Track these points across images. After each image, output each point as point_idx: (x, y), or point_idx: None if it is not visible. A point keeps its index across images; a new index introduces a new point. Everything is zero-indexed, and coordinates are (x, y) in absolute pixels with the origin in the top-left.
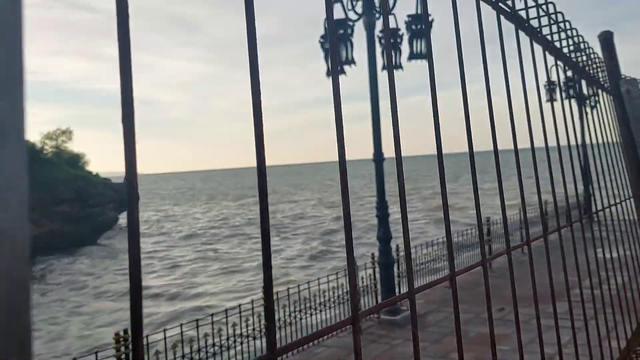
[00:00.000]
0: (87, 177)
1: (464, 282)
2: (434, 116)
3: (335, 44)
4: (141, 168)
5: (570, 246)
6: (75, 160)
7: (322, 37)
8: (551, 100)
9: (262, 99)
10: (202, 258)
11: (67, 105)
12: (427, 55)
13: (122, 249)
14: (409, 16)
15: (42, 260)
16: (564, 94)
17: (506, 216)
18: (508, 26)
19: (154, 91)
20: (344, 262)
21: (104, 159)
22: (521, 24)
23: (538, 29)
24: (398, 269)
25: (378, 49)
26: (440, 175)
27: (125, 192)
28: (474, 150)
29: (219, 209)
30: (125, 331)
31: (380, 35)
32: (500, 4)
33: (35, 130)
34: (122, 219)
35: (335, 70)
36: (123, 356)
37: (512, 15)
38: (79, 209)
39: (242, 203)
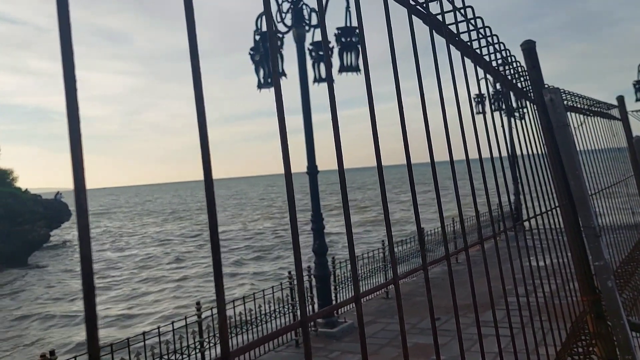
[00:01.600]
0: (15, 194)
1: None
2: (372, 128)
3: (276, 57)
4: (68, 184)
5: (503, 255)
6: (3, 177)
7: (251, 49)
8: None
9: (191, 112)
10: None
11: None
12: (365, 68)
13: (55, 270)
14: (338, 29)
15: None
16: (492, 106)
17: (444, 224)
18: (440, 41)
19: (82, 105)
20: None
21: (33, 175)
22: (452, 38)
23: (468, 42)
24: (335, 281)
25: (309, 61)
26: (381, 186)
27: (57, 209)
28: (414, 162)
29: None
30: (52, 352)
31: (310, 47)
32: (430, 17)
33: None
34: (54, 237)
35: (278, 88)
36: None
37: (443, 30)
38: (7, 226)
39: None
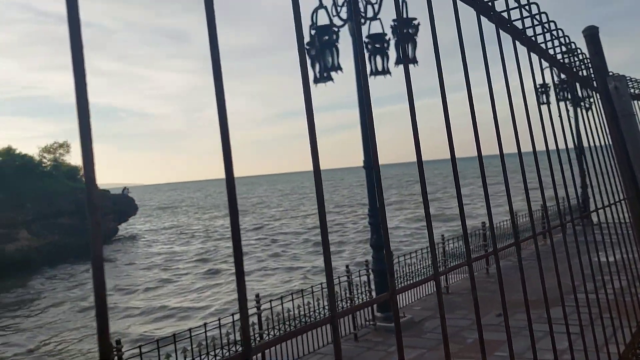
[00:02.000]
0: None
1: (460, 288)
2: (412, 123)
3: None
4: (134, 179)
5: (569, 249)
6: (74, 173)
7: (307, 44)
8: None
9: (253, 108)
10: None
11: (61, 119)
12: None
13: (120, 263)
14: (394, 20)
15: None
16: (557, 97)
17: (492, 218)
18: (491, 29)
19: (146, 104)
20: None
21: (101, 171)
22: (503, 24)
23: (522, 30)
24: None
25: (365, 55)
26: (421, 179)
27: (124, 204)
28: (466, 155)
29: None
30: (118, 342)
31: (366, 40)
32: (479, 2)
33: (32, 144)
34: (122, 230)
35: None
36: None
37: (493, 16)
38: (78, 221)
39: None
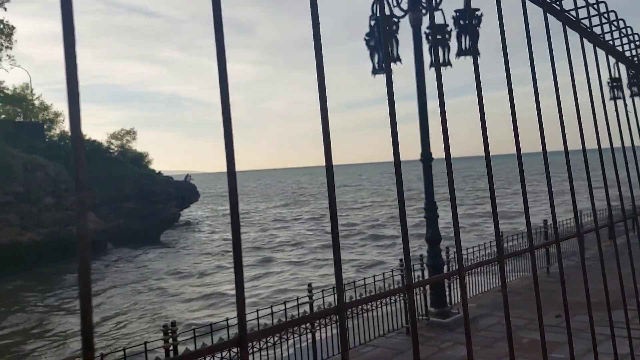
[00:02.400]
0: (150, 175)
1: (518, 287)
2: (480, 116)
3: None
4: (197, 167)
5: (636, 252)
6: (139, 159)
7: (366, 35)
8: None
9: (313, 99)
10: None
11: (129, 107)
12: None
13: (177, 249)
14: (456, 11)
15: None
16: (631, 91)
17: (555, 208)
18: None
19: (210, 93)
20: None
21: (163, 158)
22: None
23: (588, 28)
24: (448, 271)
25: (425, 46)
26: (489, 176)
27: (186, 190)
28: (531, 151)
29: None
30: (173, 324)
31: (427, 31)
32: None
33: (101, 130)
34: (184, 216)
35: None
36: (171, 347)
37: (560, 13)
38: (143, 205)
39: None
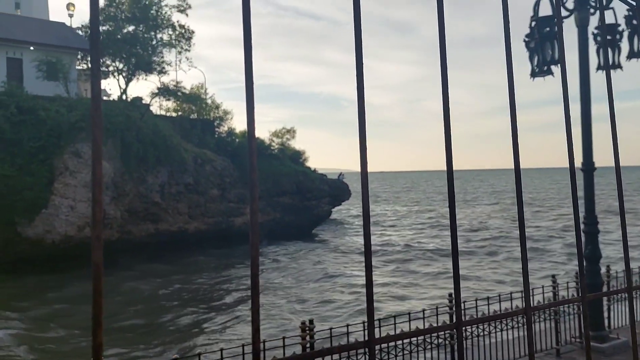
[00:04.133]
0: (306, 172)
1: None
2: None
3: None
4: (350, 166)
5: None
6: (297, 157)
7: (526, 36)
8: None
9: (472, 100)
10: None
11: (291, 106)
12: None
13: (331, 244)
14: (628, 10)
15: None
16: None
17: None
18: None
19: (369, 93)
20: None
21: (318, 156)
22: None
23: None
24: (608, 290)
25: (592, 47)
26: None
27: (339, 189)
28: None
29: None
30: (311, 321)
31: (595, 32)
32: None
33: (264, 128)
34: (335, 214)
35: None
36: (307, 344)
37: None
38: (298, 201)
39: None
